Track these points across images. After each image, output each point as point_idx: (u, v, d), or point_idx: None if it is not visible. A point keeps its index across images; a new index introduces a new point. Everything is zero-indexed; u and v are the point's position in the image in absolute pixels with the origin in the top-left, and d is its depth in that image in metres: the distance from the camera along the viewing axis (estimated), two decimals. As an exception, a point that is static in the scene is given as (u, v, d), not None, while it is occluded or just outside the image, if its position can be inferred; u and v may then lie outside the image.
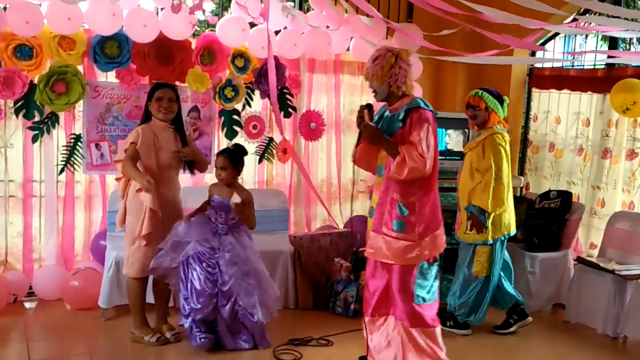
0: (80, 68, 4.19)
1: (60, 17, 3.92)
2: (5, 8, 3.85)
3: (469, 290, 3.95)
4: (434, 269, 3.14)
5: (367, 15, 4.69)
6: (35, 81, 4.03)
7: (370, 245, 3.17)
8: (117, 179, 3.68)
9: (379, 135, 3.01)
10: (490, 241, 3.87)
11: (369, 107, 3.09)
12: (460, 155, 4.49)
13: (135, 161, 3.39)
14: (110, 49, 4.16)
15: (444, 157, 4.68)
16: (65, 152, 4.29)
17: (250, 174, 4.96)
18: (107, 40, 4.12)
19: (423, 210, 3.04)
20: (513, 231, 3.98)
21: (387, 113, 3.16)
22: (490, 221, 3.83)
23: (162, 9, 4.29)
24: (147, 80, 4.37)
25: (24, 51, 3.97)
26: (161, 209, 3.42)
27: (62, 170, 4.29)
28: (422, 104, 3.04)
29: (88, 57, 4.18)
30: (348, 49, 4.98)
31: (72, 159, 4.30)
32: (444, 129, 4.71)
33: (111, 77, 4.34)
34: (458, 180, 4.04)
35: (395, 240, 3.04)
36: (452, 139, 4.77)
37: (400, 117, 3.02)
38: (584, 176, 5.07)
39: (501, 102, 3.94)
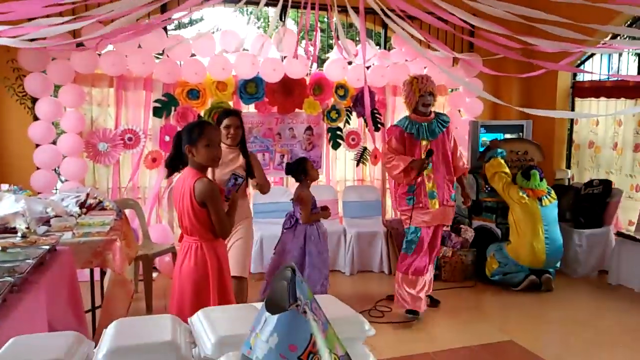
0: (231, 103, 4.83)
1: (217, 68, 4.60)
2: (180, 64, 4.58)
3: None
4: None
5: (435, 50, 5.01)
6: (202, 114, 4.72)
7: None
8: None
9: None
10: None
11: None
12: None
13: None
14: (251, 88, 4.77)
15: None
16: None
17: (350, 175, 5.42)
18: (248, 82, 4.74)
19: None
20: None
21: (423, 123, 3.62)
22: None
23: (284, 57, 4.86)
24: (276, 110, 4.94)
25: (193, 93, 4.68)
26: None
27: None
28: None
29: (236, 95, 4.82)
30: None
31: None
32: (502, 133, 4.98)
33: (251, 108, 4.97)
34: None
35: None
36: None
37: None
38: (617, 167, 5.12)
39: None
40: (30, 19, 3.63)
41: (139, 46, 4.39)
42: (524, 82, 5.43)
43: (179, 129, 4.29)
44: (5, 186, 3.14)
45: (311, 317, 1.04)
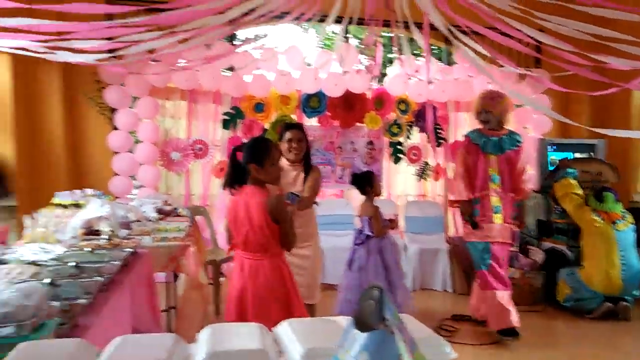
0: (294, 116, 4.94)
1: (281, 83, 4.74)
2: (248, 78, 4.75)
3: None
4: None
5: (500, 65, 4.87)
6: (266, 127, 4.85)
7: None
8: None
9: None
10: None
11: None
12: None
13: None
14: (313, 102, 4.88)
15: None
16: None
17: (411, 190, 5.37)
18: (311, 96, 4.85)
19: None
20: None
21: (492, 137, 3.60)
22: None
23: (346, 72, 4.91)
24: (337, 123, 4.99)
25: (259, 107, 4.83)
26: None
27: None
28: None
29: (299, 109, 4.94)
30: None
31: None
32: (571, 152, 4.77)
33: (313, 122, 5.05)
34: None
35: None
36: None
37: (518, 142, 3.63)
38: None
39: None
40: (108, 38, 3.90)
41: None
42: (596, 99, 5.17)
43: (244, 140, 4.47)
44: (89, 191, 3.37)
45: (399, 338, 1.05)
